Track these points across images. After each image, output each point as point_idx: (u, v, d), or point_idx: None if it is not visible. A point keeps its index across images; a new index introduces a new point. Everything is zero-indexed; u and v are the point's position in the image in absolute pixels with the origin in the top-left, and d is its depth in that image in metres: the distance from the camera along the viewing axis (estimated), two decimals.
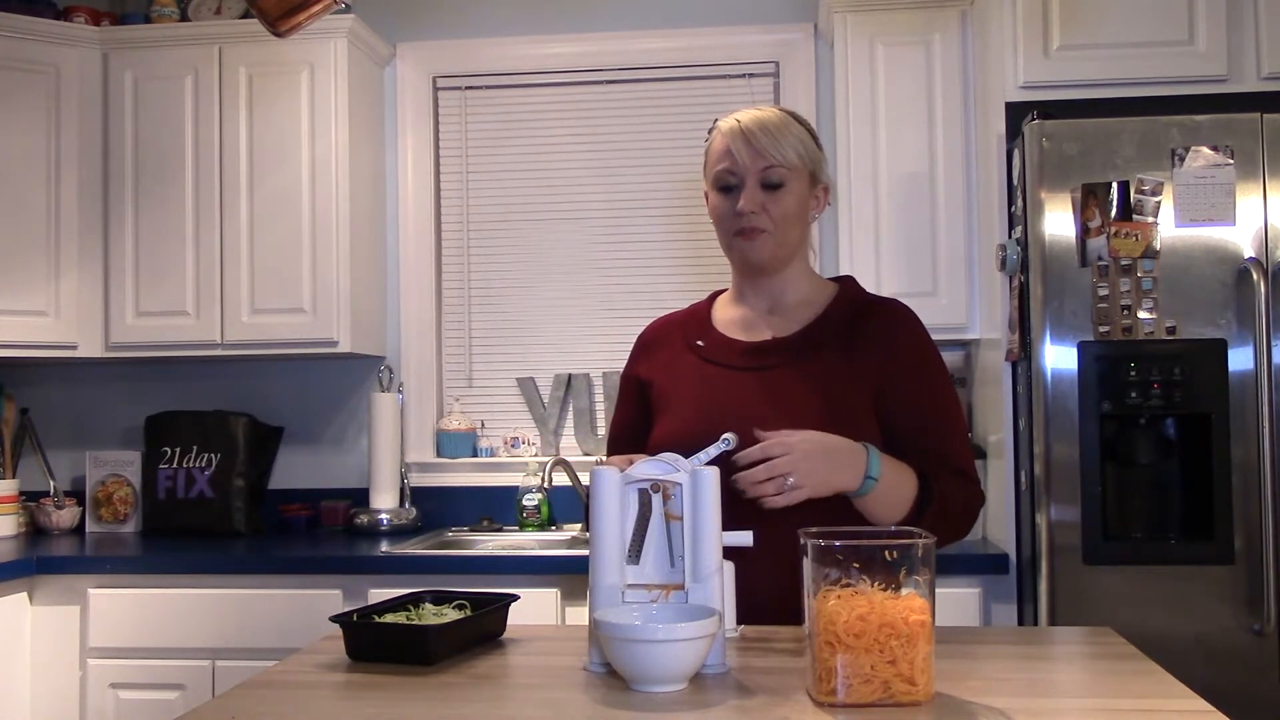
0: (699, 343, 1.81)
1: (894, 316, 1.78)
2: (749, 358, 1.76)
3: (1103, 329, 2.49)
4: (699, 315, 1.87)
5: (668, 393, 1.79)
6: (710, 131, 1.79)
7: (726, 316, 1.84)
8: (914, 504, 1.65)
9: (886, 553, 1.24)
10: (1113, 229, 2.49)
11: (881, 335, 1.75)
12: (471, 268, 3.61)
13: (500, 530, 3.38)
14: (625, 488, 1.44)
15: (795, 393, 1.69)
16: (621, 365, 1.97)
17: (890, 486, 1.62)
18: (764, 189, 1.72)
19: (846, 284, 1.84)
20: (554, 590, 2.78)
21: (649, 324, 1.93)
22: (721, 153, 1.74)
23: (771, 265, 1.77)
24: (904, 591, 1.23)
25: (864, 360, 1.72)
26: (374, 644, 1.49)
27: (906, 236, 3.04)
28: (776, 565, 1.51)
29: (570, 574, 2.78)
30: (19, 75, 3.23)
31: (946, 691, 1.26)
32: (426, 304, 3.59)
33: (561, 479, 3.34)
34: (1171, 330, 2.47)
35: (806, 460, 1.54)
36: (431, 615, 1.58)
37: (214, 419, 3.47)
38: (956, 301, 3.03)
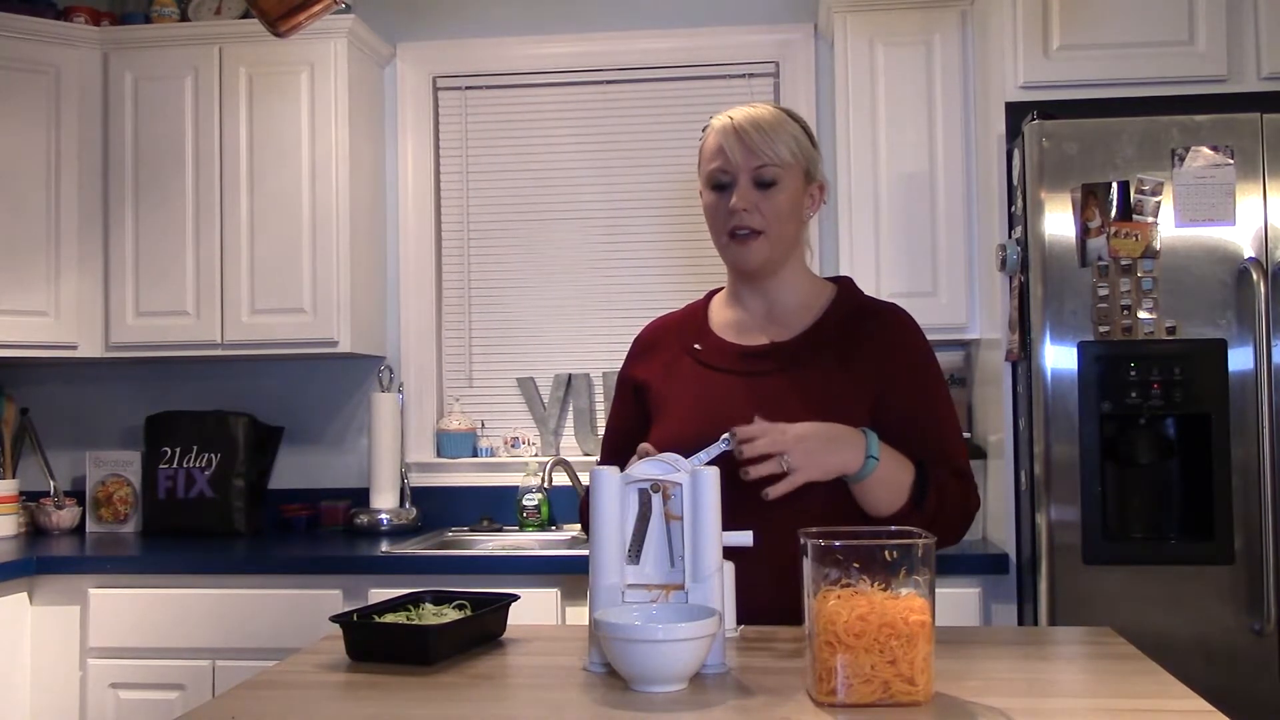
0: (696, 346, 1.80)
1: (892, 322, 1.77)
2: (746, 363, 1.75)
3: (1103, 329, 2.49)
4: (695, 317, 1.86)
5: (665, 396, 1.78)
6: (704, 129, 1.77)
7: (723, 319, 1.83)
8: (912, 491, 1.64)
9: (886, 553, 1.24)
10: (1113, 229, 2.49)
11: (880, 341, 1.74)
12: (471, 268, 3.61)
13: (500, 530, 3.38)
14: (625, 488, 1.44)
15: (791, 400, 1.67)
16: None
17: (891, 470, 1.62)
18: (757, 187, 1.70)
19: (844, 286, 1.83)
20: (554, 590, 2.78)
21: (645, 325, 1.92)
22: (714, 150, 1.72)
23: (766, 269, 1.75)
24: (904, 591, 1.23)
25: (862, 367, 1.71)
26: (374, 644, 1.49)
27: (906, 236, 3.04)
28: (776, 565, 1.51)
29: (570, 574, 2.78)
30: (19, 75, 3.23)
31: (946, 691, 1.26)
32: (426, 304, 3.59)
33: (561, 479, 3.34)
34: (1171, 330, 2.47)
35: (801, 443, 1.55)
36: (431, 615, 1.58)
37: (214, 419, 3.47)
38: (956, 301, 3.03)
